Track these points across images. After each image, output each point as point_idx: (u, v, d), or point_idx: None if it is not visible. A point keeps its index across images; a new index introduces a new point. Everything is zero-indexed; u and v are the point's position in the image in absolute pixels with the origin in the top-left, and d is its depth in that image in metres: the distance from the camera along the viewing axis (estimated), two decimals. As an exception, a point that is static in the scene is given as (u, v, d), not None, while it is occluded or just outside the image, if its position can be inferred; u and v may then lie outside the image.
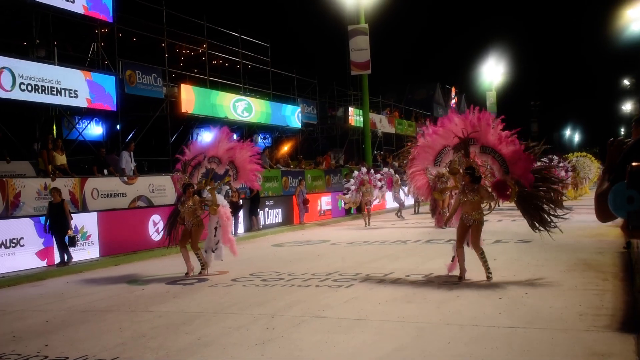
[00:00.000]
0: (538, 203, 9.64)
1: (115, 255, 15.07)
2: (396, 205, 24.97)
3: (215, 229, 12.03)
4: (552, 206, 9.67)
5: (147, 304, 9.34)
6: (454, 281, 9.67)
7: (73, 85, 17.15)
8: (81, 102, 17.54)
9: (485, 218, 9.96)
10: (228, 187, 12.78)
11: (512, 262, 11.36)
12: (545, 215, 9.62)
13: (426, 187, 11.00)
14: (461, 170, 9.94)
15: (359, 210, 24.50)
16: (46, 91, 16.37)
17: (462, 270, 9.83)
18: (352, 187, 21.75)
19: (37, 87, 16.10)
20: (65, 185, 15.21)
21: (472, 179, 9.65)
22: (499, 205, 10.55)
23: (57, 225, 13.57)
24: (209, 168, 12.24)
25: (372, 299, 8.75)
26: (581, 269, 10.27)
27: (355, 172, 22.72)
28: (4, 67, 15.28)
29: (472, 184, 9.67)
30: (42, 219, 13.62)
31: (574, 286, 8.88)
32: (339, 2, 30.29)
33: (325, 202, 25.99)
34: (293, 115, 29.07)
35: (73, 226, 13.84)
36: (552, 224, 9.61)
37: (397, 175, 23.54)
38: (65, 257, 13.70)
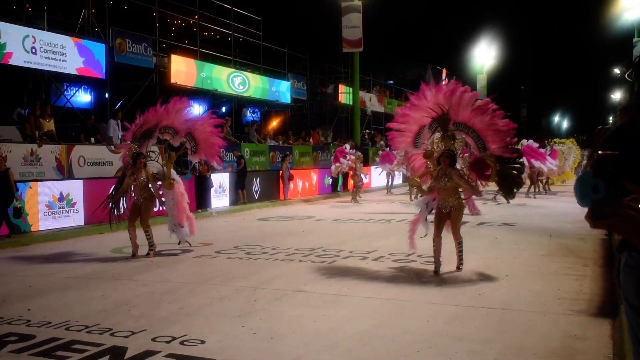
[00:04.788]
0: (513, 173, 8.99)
1: (100, 223, 15.03)
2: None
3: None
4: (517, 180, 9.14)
5: (131, 272, 9.38)
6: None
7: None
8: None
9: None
10: (196, 161, 11.92)
11: (494, 244, 11.48)
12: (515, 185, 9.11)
13: (424, 168, 10.15)
14: (435, 154, 9.09)
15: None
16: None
17: (437, 263, 8.83)
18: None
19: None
20: (52, 151, 15.15)
21: (451, 162, 8.78)
22: (483, 187, 9.83)
23: (1, 196, 12.59)
24: (162, 138, 11.50)
25: (354, 275, 8.82)
26: (562, 254, 10.40)
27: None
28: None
29: (448, 168, 8.73)
30: None
31: (553, 270, 8.99)
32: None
33: (311, 178, 26.05)
34: (287, 91, 29.08)
35: (58, 193, 13.77)
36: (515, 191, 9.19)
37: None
38: (12, 227, 12.96)
